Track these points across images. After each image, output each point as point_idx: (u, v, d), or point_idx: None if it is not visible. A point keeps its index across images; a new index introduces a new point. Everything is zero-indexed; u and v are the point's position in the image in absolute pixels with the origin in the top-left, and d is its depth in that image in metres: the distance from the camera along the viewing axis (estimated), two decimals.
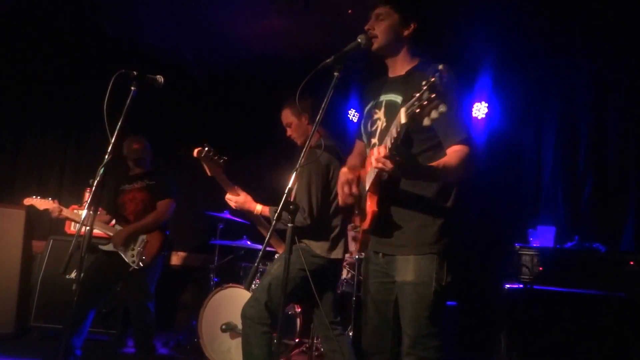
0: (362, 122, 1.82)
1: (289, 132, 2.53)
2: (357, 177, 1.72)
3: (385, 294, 1.68)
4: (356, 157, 1.88)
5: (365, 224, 1.63)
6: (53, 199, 3.21)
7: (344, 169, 1.75)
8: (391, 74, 1.76)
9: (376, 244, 1.70)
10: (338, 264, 2.44)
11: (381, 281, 1.70)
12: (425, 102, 1.22)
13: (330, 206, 2.36)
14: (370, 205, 1.59)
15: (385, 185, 1.61)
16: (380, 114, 1.73)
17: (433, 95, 1.20)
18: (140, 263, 3.05)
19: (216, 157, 2.30)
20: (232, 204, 2.39)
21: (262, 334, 2.18)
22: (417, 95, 1.23)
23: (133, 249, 3.09)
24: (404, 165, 1.41)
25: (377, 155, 1.37)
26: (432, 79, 1.21)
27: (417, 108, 1.24)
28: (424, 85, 1.22)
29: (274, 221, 1.57)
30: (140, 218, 3.17)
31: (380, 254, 1.70)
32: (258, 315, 2.20)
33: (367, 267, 1.77)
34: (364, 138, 1.80)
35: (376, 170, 1.51)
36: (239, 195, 2.38)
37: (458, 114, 1.57)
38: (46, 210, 3.17)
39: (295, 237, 2.37)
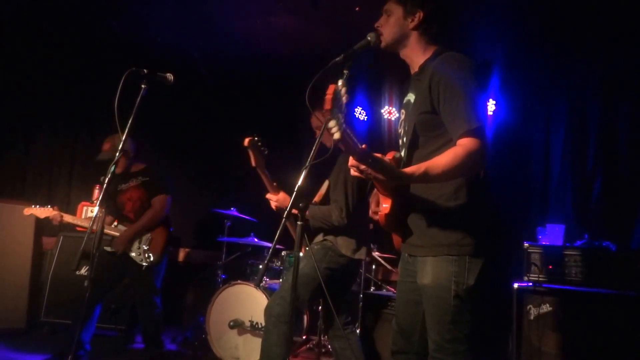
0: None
1: (318, 134, 2.52)
2: None
3: (415, 295, 1.62)
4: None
5: (382, 224, 1.62)
6: (52, 206, 3.24)
7: None
8: (412, 71, 1.73)
9: (403, 244, 1.69)
10: (359, 264, 2.45)
11: (411, 281, 1.65)
12: None
13: (361, 206, 2.34)
14: (384, 209, 1.58)
15: (399, 187, 1.59)
16: (404, 115, 1.73)
17: None
18: (149, 260, 3.08)
19: (262, 148, 2.33)
20: (273, 204, 2.39)
21: (284, 334, 2.19)
22: None
23: (139, 248, 3.12)
24: (375, 174, 1.36)
25: (349, 163, 1.37)
26: None
27: None
28: None
29: (284, 219, 1.57)
30: (140, 215, 3.18)
31: (407, 255, 1.67)
32: (284, 313, 2.20)
33: (400, 267, 1.75)
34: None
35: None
36: (278, 193, 2.38)
37: (463, 104, 1.46)
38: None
39: (321, 234, 2.38)
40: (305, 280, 2.22)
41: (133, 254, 3.12)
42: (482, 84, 1.58)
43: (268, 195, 2.40)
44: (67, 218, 3.22)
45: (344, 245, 2.33)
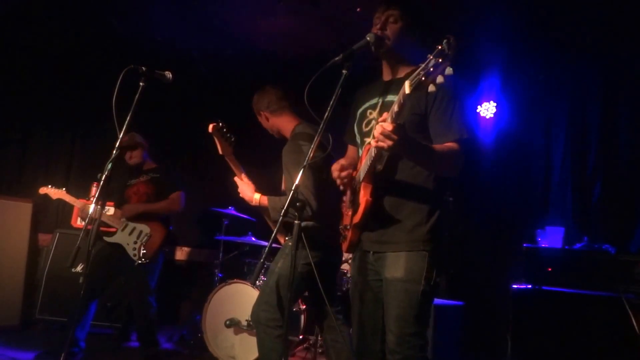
0: (355, 123, 1.83)
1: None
2: (349, 171, 1.71)
3: (375, 293, 1.66)
4: (347, 160, 1.86)
5: (357, 217, 1.62)
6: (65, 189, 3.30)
7: (335, 164, 1.75)
8: (388, 77, 1.78)
9: (367, 241, 1.69)
10: (338, 253, 2.42)
11: (372, 279, 1.68)
12: (432, 68, 1.25)
13: (325, 193, 2.27)
14: (364, 195, 1.58)
15: (379, 179, 1.61)
16: (375, 114, 1.75)
17: (440, 60, 1.24)
18: (142, 257, 3.07)
19: (228, 134, 2.31)
20: (239, 190, 2.36)
21: (276, 337, 2.15)
22: (423, 65, 1.27)
23: (135, 242, 3.11)
24: (404, 141, 1.40)
25: (382, 130, 1.36)
26: (440, 46, 1.24)
27: (422, 76, 1.26)
28: (431, 55, 1.25)
29: (281, 217, 1.56)
30: None
31: (371, 252, 1.68)
32: (272, 317, 2.16)
33: (357, 266, 1.75)
34: (357, 138, 1.81)
35: (369, 162, 1.53)
36: (242, 180, 2.35)
37: (454, 114, 1.57)
38: (59, 200, 3.25)
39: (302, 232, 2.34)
40: (284, 281, 2.17)
41: (128, 248, 3.11)
42: (472, 104, 1.71)
43: (236, 178, 2.35)
44: (74, 202, 3.27)
45: (316, 237, 2.26)
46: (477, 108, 4.01)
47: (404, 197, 1.61)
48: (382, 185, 1.61)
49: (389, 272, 1.59)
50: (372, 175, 1.60)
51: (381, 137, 1.36)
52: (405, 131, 1.40)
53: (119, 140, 1.91)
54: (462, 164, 1.57)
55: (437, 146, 1.56)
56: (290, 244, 2.29)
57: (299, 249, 2.15)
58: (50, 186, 3.30)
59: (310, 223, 2.22)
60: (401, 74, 1.72)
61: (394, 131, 1.35)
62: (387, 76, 1.78)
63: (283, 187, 2.49)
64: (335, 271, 2.61)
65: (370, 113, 1.76)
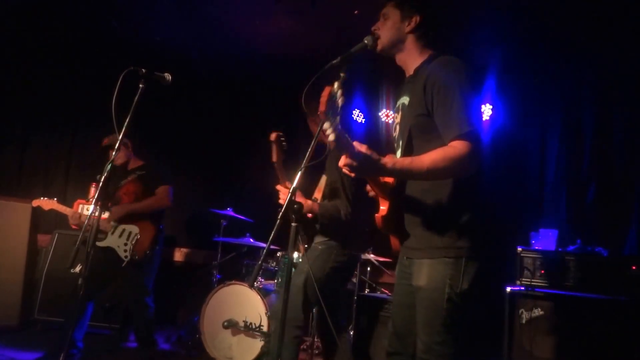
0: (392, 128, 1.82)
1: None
2: None
3: (410, 298, 1.62)
4: None
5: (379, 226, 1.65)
6: (56, 199, 3.31)
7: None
8: (407, 74, 1.73)
9: (402, 247, 1.70)
10: (358, 259, 2.49)
11: (406, 283, 1.65)
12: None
13: (357, 201, 2.35)
14: (382, 211, 1.60)
15: (397, 188, 1.61)
16: (398, 118, 1.73)
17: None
18: (128, 256, 3.09)
19: (284, 143, 2.38)
20: (281, 197, 2.39)
21: (294, 337, 2.17)
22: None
23: (126, 244, 3.13)
24: (364, 170, 1.40)
25: (340, 163, 1.39)
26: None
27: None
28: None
29: (279, 220, 1.58)
30: None
31: (405, 257, 1.68)
32: (295, 317, 2.18)
33: (398, 269, 1.76)
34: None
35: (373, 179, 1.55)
36: (288, 189, 2.38)
37: (457, 107, 1.46)
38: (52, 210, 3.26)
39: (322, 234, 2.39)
40: (312, 282, 2.20)
41: (117, 249, 3.12)
42: (478, 88, 1.58)
43: (279, 186, 2.38)
44: (65, 210, 3.28)
45: (348, 241, 2.35)
46: (480, 100, 4.01)
47: (422, 205, 1.57)
48: (400, 196, 1.59)
49: (415, 280, 1.57)
50: (386, 189, 1.58)
51: (344, 169, 1.39)
52: (360, 159, 1.36)
53: (117, 142, 1.94)
54: (473, 159, 1.43)
55: (429, 154, 1.45)
56: (320, 247, 2.34)
57: (333, 253, 2.22)
58: (42, 197, 3.33)
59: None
60: (411, 70, 1.68)
61: (345, 165, 1.36)
62: (406, 72, 1.72)
63: (317, 194, 2.52)
64: (351, 275, 2.66)
65: (396, 118, 1.74)
